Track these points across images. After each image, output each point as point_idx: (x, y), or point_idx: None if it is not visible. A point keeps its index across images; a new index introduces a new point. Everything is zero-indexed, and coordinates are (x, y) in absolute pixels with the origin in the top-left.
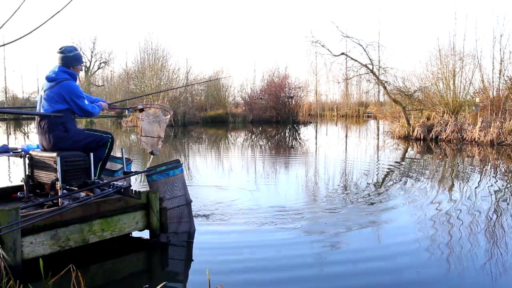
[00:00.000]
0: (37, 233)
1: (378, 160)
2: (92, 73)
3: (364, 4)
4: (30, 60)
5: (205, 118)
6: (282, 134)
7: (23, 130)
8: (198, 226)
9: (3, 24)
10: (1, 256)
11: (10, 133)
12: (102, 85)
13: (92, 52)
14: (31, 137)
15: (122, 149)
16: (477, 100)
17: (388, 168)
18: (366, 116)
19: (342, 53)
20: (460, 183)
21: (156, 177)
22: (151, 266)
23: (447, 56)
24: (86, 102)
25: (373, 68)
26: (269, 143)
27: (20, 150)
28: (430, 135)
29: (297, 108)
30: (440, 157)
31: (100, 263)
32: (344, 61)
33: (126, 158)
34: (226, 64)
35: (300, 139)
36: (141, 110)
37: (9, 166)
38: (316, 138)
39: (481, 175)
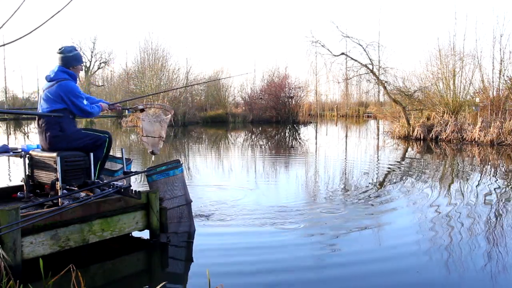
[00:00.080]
0: (37, 233)
1: (378, 160)
2: (92, 73)
3: (364, 4)
4: (30, 60)
5: (205, 118)
6: (282, 134)
7: (23, 130)
8: (198, 226)
9: (3, 24)
10: (1, 256)
11: (10, 133)
12: (102, 85)
13: (92, 52)
14: (31, 137)
15: (122, 149)
16: (477, 100)
17: (388, 168)
18: (366, 116)
19: (342, 53)
20: (460, 183)
21: (156, 177)
22: (151, 266)
23: (447, 56)
24: (85, 102)
25: (373, 68)
26: (269, 143)
27: (20, 150)
28: (430, 135)
29: (297, 108)
30: (440, 157)
31: (100, 263)
32: (344, 61)
33: (126, 158)
34: (226, 64)
35: (300, 139)
36: (142, 110)
37: (9, 166)
38: (316, 138)
39: (481, 175)
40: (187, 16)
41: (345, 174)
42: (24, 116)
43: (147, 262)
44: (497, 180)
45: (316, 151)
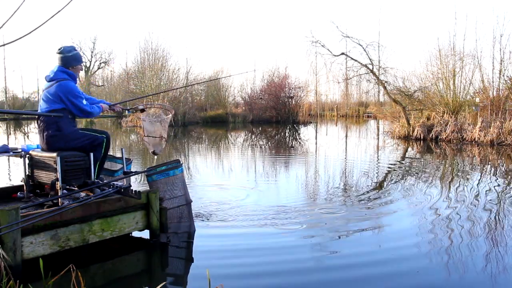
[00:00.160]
0: (37, 233)
1: (378, 160)
2: (92, 73)
3: (364, 4)
4: (30, 60)
5: (205, 118)
6: (282, 134)
7: (23, 130)
8: (198, 226)
9: (3, 24)
10: (1, 256)
11: (10, 133)
12: (102, 85)
13: (92, 52)
14: (31, 137)
15: (122, 149)
16: (477, 100)
17: (388, 169)
18: (366, 116)
19: (342, 53)
20: (460, 184)
21: (156, 177)
22: (151, 266)
23: (447, 56)
24: (84, 102)
25: (373, 68)
26: (269, 143)
27: (20, 150)
28: (430, 135)
29: (297, 108)
30: (440, 157)
31: (100, 263)
32: (344, 61)
33: (126, 158)
34: (226, 64)
35: (300, 139)
36: (142, 111)
37: (9, 166)
38: (316, 138)
39: (481, 176)
40: (187, 16)
41: (345, 174)
42: (24, 116)
43: (147, 262)
44: (497, 180)
45: (316, 151)
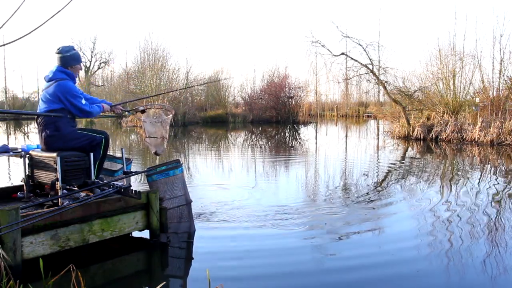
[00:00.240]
0: (37, 233)
1: (378, 160)
2: (92, 73)
3: (364, 4)
4: (30, 60)
5: (205, 118)
6: (282, 134)
7: (23, 130)
8: (198, 226)
9: (3, 24)
10: (1, 256)
11: (10, 133)
12: (102, 85)
13: (92, 52)
14: (31, 137)
15: (122, 149)
16: (477, 100)
17: (388, 168)
18: (366, 116)
19: (342, 53)
20: (460, 184)
21: (156, 177)
22: (151, 266)
23: (447, 56)
24: (83, 101)
25: (373, 68)
26: (269, 143)
27: (20, 150)
28: (430, 135)
29: (297, 108)
30: (440, 157)
31: (100, 263)
32: (344, 61)
33: (126, 158)
34: (226, 64)
35: (300, 139)
36: (142, 112)
37: (9, 166)
38: (316, 138)
39: (481, 175)
40: (187, 16)
41: (345, 174)
42: (24, 116)
43: (147, 262)
44: (497, 180)
45: (316, 151)
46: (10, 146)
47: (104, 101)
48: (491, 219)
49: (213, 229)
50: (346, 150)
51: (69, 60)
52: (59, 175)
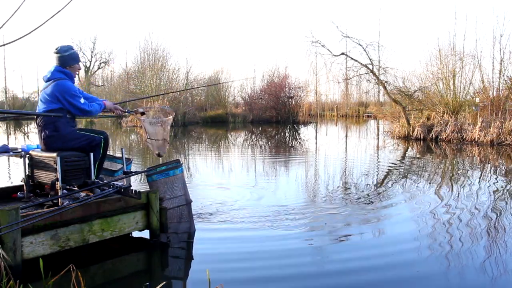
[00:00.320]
0: (37, 233)
1: (378, 160)
2: (92, 73)
3: (364, 4)
4: (30, 60)
5: (205, 118)
6: (282, 134)
7: (23, 130)
8: (198, 226)
9: (3, 24)
10: (1, 256)
11: (10, 133)
12: (102, 85)
13: (92, 52)
14: (31, 137)
15: (122, 149)
16: (477, 100)
17: (388, 168)
18: (366, 116)
19: (342, 53)
20: (460, 184)
21: (156, 177)
22: (151, 266)
23: (447, 56)
24: (82, 100)
25: (373, 68)
26: (269, 143)
27: (20, 150)
28: (430, 135)
29: (297, 108)
30: (440, 157)
31: (100, 263)
32: (344, 61)
33: (126, 158)
34: (226, 64)
35: (300, 139)
36: (142, 114)
37: (9, 166)
38: (316, 138)
39: (481, 175)
40: (187, 16)
41: (345, 174)
42: (24, 116)
43: (147, 262)
44: (497, 180)
45: (316, 151)
46: (10, 146)
47: (106, 101)
48: (492, 220)
49: (213, 229)
50: (346, 150)
51: (67, 59)
52: (59, 175)
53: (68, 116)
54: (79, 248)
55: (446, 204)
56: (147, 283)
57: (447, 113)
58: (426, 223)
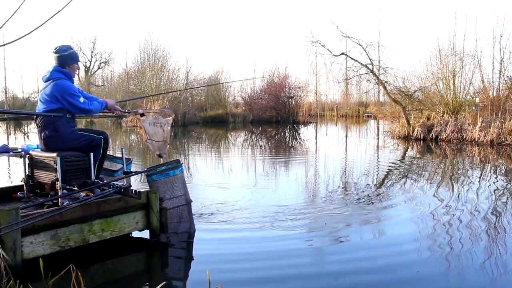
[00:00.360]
0: (37, 233)
1: (378, 160)
2: (92, 73)
3: (364, 4)
4: (30, 60)
5: (205, 118)
6: (282, 134)
7: (23, 130)
8: (198, 226)
9: (3, 24)
10: (1, 256)
11: (10, 133)
12: (102, 85)
13: (92, 52)
14: (31, 137)
15: (122, 149)
16: (477, 100)
17: (388, 169)
18: (366, 116)
19: (342, 53)
20: (460, 184)
21: (156, 177)
22: (151, 266)
23: (447, 56)
24: (81, 100)
25: (373, 68)
26: (269, 143)
27: (20, 150)
28: (430, 135)
29: (297, 108)
30: (440, 157)
31: (100, 263)
32: (344, 61)
33: (126, 158)
34: (226, 64)
35: (300, 139)
36: (142, 115)
37: (9, 166)
38: (316, 138)
39: (481, 176)
40: (187, 16)
41: (345, 174)
42: (24, 116)
43: (147, 262)
44: (497, 180)
45: (316, 151)
46: (10, 146)
47: (108, 100)
48: (492, 221)
49: (213, 229)
50: (346, 150)
51: (66, 59)
52: (59, 175)
53: (68, 116)
54: (79, 248)
55: (446, 205)
56: (147, 283)
57: (447, 113)
58: (426, 224)
